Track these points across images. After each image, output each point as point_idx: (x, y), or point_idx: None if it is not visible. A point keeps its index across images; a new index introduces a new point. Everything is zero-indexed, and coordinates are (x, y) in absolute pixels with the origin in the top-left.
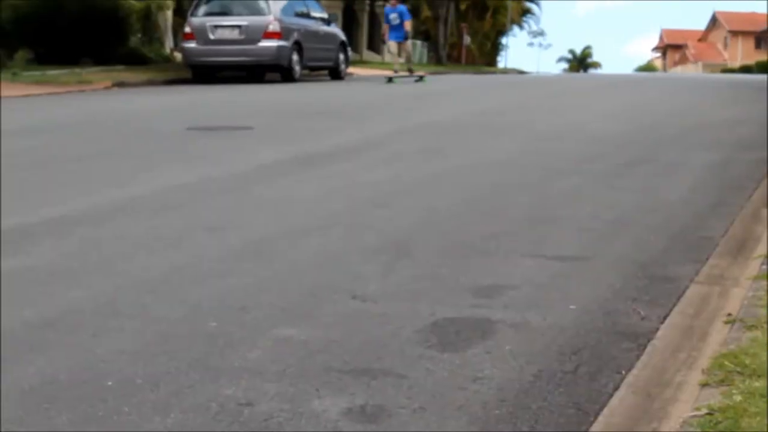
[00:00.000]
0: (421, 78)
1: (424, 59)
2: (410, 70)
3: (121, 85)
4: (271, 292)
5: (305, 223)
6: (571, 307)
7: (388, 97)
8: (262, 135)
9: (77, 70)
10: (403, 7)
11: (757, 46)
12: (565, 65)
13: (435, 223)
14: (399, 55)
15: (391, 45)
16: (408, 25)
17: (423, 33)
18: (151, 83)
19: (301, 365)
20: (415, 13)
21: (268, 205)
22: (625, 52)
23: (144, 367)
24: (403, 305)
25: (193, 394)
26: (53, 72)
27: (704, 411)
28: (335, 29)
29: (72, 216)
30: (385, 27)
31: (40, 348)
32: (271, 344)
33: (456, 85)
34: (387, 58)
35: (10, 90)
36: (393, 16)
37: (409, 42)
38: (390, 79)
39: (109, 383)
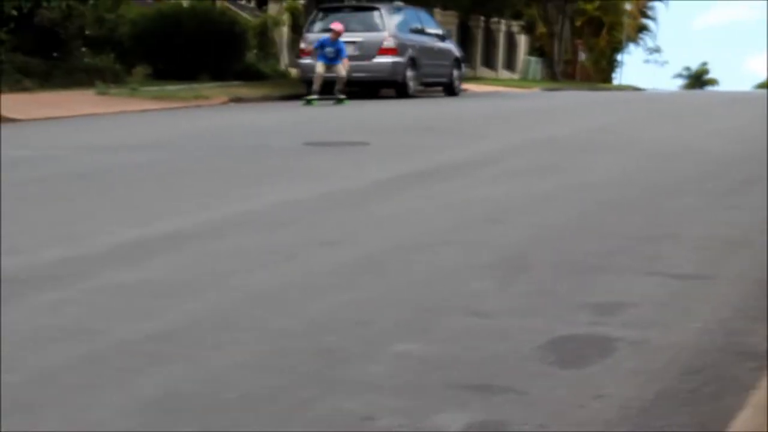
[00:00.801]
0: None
1: (539, 75)
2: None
3: (237, 100)
4: (389, 307)
5: (420, 238)
6: (692, 325)
7: (503, 114)
8: (377, 151)
9: (195, 85)
10: (342, 44)
11: None
12: (680, 82)
13: (550, 239)
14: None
15: (318, 65)
16: (346, 63)
17: (538, 49)
18: (266, 99)
19: (420, 380)
20: (530, 29)
21: (384, 220)
22: (743, 69)
23: (263, 380)
24: (521, 321)
25: (313, 408)
26: (171, 87)
27: None
28: (450, 45)
29: (189, 230)
30: (310, 49)
31: (160, 361)
32: (389, 359)
33: (570, 102)
34: (502, 74)
35: (129, 105)
36: (329, 50)
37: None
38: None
39: (229, 396)
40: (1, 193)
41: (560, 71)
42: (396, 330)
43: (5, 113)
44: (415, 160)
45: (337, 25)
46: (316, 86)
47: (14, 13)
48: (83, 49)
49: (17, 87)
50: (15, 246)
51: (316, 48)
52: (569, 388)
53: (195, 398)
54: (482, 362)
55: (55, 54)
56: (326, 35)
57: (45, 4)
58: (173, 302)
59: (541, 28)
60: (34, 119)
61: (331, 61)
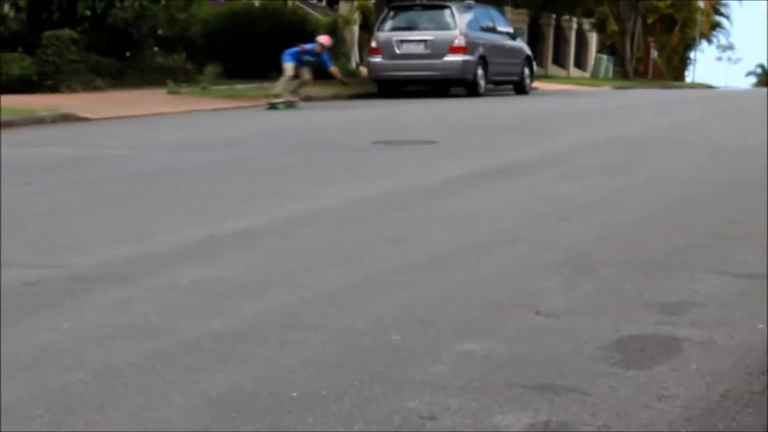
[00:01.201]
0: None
1: (610, 74)
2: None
3: (307, 99)
4: (454, 305)
5: (487, 237)
6: (760, 326)
7: (573, 112)
8: (446, 149)
9: (265, 84)
10: (325, 56)
11: None
12: (753, 80)
13: (618, 238)
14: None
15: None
16: (336, 72)
17: (609, 47)
18: (336, 97)
19: (483, 380)
20: (601, 27)
21: (451, 218)
22: None
23: (328, 379)
24: (587, 321)
25: (377, 407)
26: (241, 86)
27: None
28: (520, 43)
29: (258, 228)
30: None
31: (228, 358)
32: (453, 358)
33: (641, 100)
34: (573, 73)
35: (200, 104)
36: (307, 58)
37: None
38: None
39: (294, 394)
40: (73, 191)
41: (632, 69)
42: (461, 329)
43: (78, 112)
44: (484, 159)
45: (324, 39)
46: (279, 90)
47: (88, 13)
48: (155, 48)
49: (90, 86)
50: (85, 244)
51: (295, 53)
52: (633, 388)
53: (260, 396)
54: (546, 362)
55: (127, 53)
56: (312, 44)
57: (118, 4)
58: (241, 300)
59: (612, 26)
60: (107, 118)
61: (301, 63)
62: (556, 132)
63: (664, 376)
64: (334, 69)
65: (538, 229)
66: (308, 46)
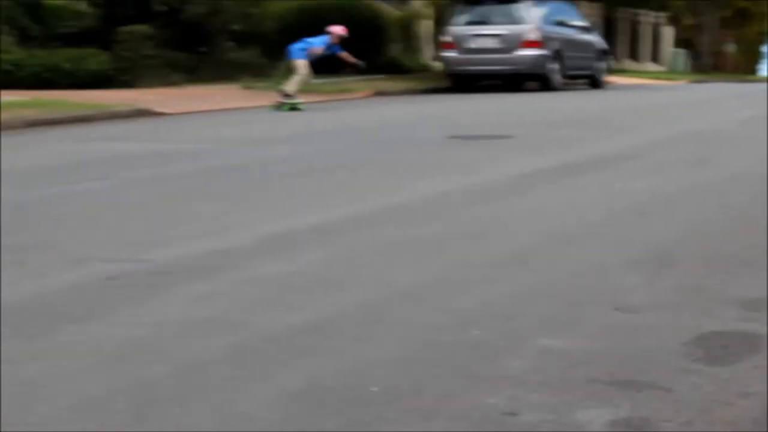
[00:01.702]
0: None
1: (685, 67)
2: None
3: (381, 94)
4: (534, 301)
5: (566, 232)
6: None
7: (649, 106)
8: (521, 144)
9: (339, 79)
10: (338, 48)
11: None
12: None
13: (699, 233)
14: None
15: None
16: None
17: (684, 41)
18: (410, 92)
19: (564, 376)
20: (676, 20)
21: (530, 213)
22: None
23: (408, 374)
24: (668, 317)
25: (457, 402)
26: (315, 81)
27: None
28: (595, 37)
29: (336, 223)
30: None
31: (307, 353)
32: (534, 354)
33: (717, 94)
34: (647, 67)
35: (274, 99)
36: (317, 49)
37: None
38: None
39: (374, 389)
40: (152, 186)
41: (707, 63)
42: (541, 324)
43: (154, 107)
44: (561, 153)
45: (340, 29)
46: (294, 89)
47: (163, 8)
48: (229, 43)
49: (165, 81)
50: (166, 238)
51: (304, 49)
52: (716, 385)
53: (339, 391)
54: (627, 358)
55: (201, 49)
56: (325, 36)
57: None
58: (321, 295)
59: (687, 20)
60: (182, 113)
61: (307, 59)
62: (632, 126)
63: (747, 373)
64: (344, 54)
65: (618, 225)
66: (317, 41)
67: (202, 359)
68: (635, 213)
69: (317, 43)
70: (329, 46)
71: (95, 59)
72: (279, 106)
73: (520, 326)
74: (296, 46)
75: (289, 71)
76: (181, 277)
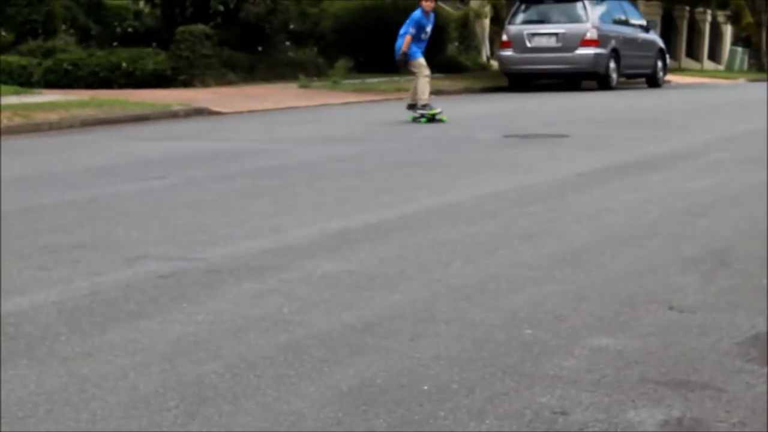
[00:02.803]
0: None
1: (745, 66)
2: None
3: (438, 92)
4: (588, 300)
5: (622, 231)
6: None
7: (707, 105)
8: (578, 143)
9: (395, 78)
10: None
11: None
12: None
13: (756, 232)
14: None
15: (422, 63)
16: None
17: (744, 39)
18: (467, 91)
19: (616, 375)
20: (735, 19)
21: (585, 213)
22: None
23: (459, 373)
24: (722, 317)
25: (508, 401)
26: (372, 80)
27: None
28: (653, 36)
29: (391, 222)
30: (407, 38)
31: (359, 351)
32: (586, 353)
33: None
34: (706, 65)
35: (331, 98)
36: (429, 27)
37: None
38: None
39: (425, 387)
40: (208, 185)
41: (765, 61)
42: (594, 324)
43: (211, 106)
44: (618, 153)
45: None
46: (426, 97)
47: (221, 8)
48: (286, 43)
49: (222, 80)
50: (222, 237)
51: (411, 34)
52: None
53: (391, 390)
54: (680, 358)
55: (259, 48)
56: (417, 13)
57: None
58: (373, 293)
59: (747, 18)
60: (239, 112)
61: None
62: (690, 125)
63: None
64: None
65: (674, 224)
66: (416, 16)
67: (255, 357)
68: (692, 212)
69: (425, 23)
70: (427, 19)
71: (153, 59)
72: (417, 118)
73: (573, 325)
74: (412, 46)
75: (346, 70)
76: (235, 276)
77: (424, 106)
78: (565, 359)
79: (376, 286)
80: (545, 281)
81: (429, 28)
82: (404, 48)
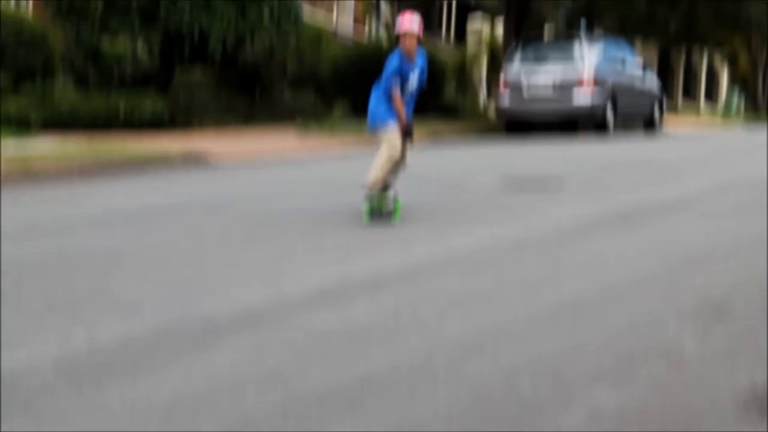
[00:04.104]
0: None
1: (741, 108)
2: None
3: (434, 134)
4: (586, 354)
5: (619, 282)
6: None
7: (704, 152)
8: (575, 190)
9: None
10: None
11: None
12: None
13: (755, 283)
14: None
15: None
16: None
17: (741, 80)
18: (464, 134)
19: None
20: (732, 60)
21: (583, 263)
22: None
23: (457, 428)
24: (722, 371)
25: None
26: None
27: None
28: (650, 79)
29: (388, 272)
30: (396, 92)
31: (356, 407)
32: (585, 409)
33: None
34: (703, 105)
35: (330, 143)
36: (413, 76)
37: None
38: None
39: None
40: (204, 234)
41: (764, 103)
42: (593, 378)
43: (209, 152)
44: (615, 201)
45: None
46: (380, 180)
47: (219, 50)
48: (284, 87)
49: (220, 125)
50: (215, 287)
51: (394, 76)
52: None
53: None
54: (680, 413)
55: (257, 92)
56: (394, 60)
57: (248, 41)
58: (371, 347)
59: (744, 59)
60: (237, 158)
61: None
62: (687, 172)
63: None
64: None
65: (672, 275)
66: (393, 73)
67: (253, 414)
68: (690, 262)
69: (406, 70)
70: (409, 66)
71: (152, 102)
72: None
73: (572, 380)
74: (378, 106)
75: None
76: (232, 328)
77: (371, 188)
78: (564, 415)
79: (373, 339)
80: (543, 333)
81: (414, 76)
82: (401, 113)
